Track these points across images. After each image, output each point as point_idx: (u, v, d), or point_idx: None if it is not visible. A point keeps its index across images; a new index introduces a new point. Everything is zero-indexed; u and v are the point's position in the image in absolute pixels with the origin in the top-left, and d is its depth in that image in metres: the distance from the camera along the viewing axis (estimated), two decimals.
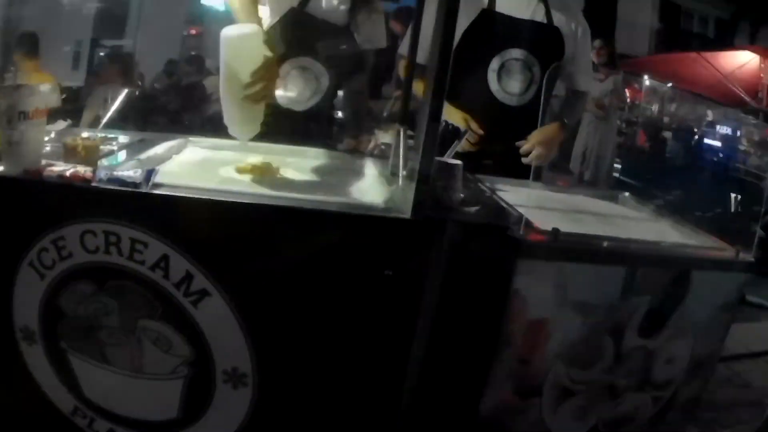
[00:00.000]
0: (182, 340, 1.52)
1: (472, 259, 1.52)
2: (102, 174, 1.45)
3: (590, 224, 1.80)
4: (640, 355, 1.65)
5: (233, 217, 1.48)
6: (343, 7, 2.28)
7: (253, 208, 1.48)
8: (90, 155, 1.55)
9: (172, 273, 1.47)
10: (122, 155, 1.77)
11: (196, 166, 1.84)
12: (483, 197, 1.82)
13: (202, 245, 1.47)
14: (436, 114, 1.49)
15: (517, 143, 2.35)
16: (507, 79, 2.35)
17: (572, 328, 1.58)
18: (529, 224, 1.60)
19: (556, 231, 1.54)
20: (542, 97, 2.34)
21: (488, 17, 2.34)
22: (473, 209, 1.65)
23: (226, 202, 1.47)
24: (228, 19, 1.91)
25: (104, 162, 1.63)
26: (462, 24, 2.31)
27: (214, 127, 1.95)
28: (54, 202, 1.47)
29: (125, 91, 1.79)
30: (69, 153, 1.55)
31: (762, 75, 6.43)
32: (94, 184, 1.45)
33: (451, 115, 2.28)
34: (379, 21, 2.42)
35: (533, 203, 1.87)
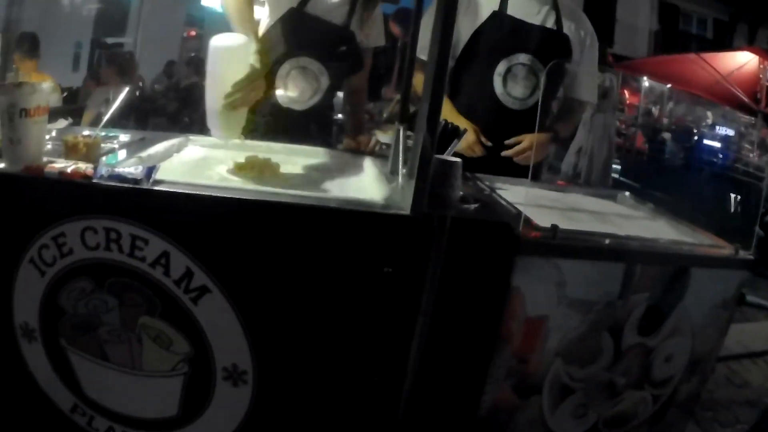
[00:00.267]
0: (182, 338, 1.52)
1: (470, 256, 1.53)
2: (103, 171, 1.46)
3: (587, 222, 1.80)
4: (640, 353, 1.65)
5: (233, 214, 1.48)
6: (342, 7, 2.29)
7: (253, 205, 1.48)
8: (91, 153, 1.56)
9: (173, 270, 1.47)
10: (123, 153, 1.77)
11: (196, 163, 1.85)
12: (482, 195, 1.83)
13: (202, 242, 1.47)
14: (434, 111, 1.49)
15: (506, 142, 2.36)
16: (512, 84, 2.36)
17: (571, 326, 1.58)
18: (527, 221, 1.60)
19: (554, 228, 1.54)
20: (541, 95, 2.33)
21: (499, 20, 2.36)
22: (472, 206, 1.65)
23: (226, 198, 1.47)
24: (227, 21, 1.92)
25: (105, 159, 1.63)
26: (473, 24, 2.37)
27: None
28: (55, 198, 1.47)
29: (125, 91, 1.79)
30: (70, 150, 1.55)
31: (760, 76, 6.44)
32: (94, 180, 1.45)
33: (461, 124, 2.28)
34: (378, 20, 2.44)
35: (531, 201, 1.88)
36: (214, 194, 1.48)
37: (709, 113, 12.10)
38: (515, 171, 2.27)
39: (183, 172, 1.71)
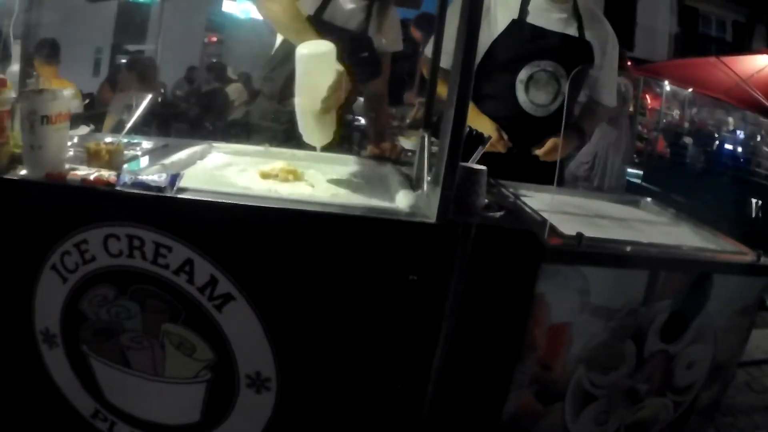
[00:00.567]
0: (206, 345, 1.51)
1: (495, 264, 1.52)
2: (126, 178, 1.45)
3: (611, 229, 1.79)
4: (662, 360, 1.65)
5: (258, 222, 1.47)
6: (358, 13, 2.29)
7: (278, 213, 1.47)
8: (113, 160, 1.55)
9: (197, 277, 1.47)
10: (145, 160, 1.76)
11: (220, 171, 1.84)
12: (506, 202, 1.82)
13: (227, 250, 1.46)
14: (460, 119, 1.48)
15: (532, 148, 2.36)
16: (535, 90, 2.36)
17: (594, 333, 1.57)
18: (552, 229, 1.59)
19: (579, 236, 1.53)
20: (565, 102, 2.32)
21: (519, 27, 2.36)
22: (497, 214, 1.65)
23: (251, 206, 1.46)
24: (248, 26, 1.93)
25: (128, 166, 1.63)
26: (493, 31, 2.37)
27: (237, 133, 1.97)
28: (77, 205, 1.46)
29: (148, 97, 1.80)
30: (92, 157, 1.55)
31: None
32: (117, 187, 1.44)
33: (483, 123, 2.29)
34: (394, 24, 2.43)
35: (555, 208, 1.87)
36: (238, 202, 1.47)
37: (729, 118, 12.08)
38: (538, 173, 2.27)
39: (206, 179, 1.70)
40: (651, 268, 1.56)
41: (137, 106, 1.71)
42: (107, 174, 1.45)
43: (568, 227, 1.60)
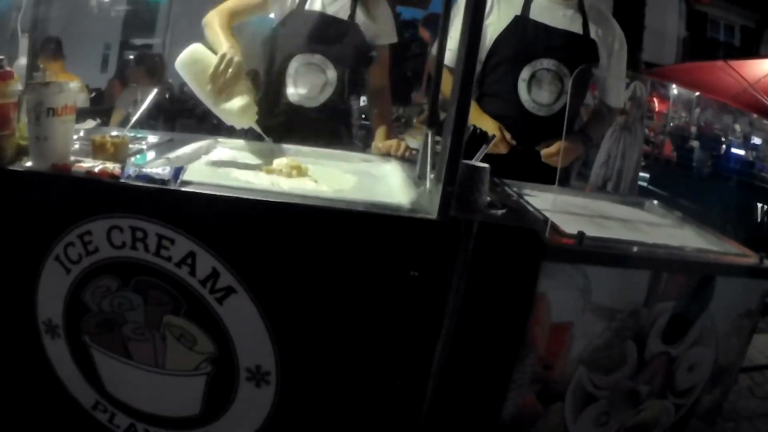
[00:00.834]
0: (206, 337, 1.52)
1: (497, 261, 1.52)
2: (130, 170, 1.46)
3: (614, 229, 1.79)
4: (663, 362, 1.64)
5: (260, 216, 1.48)
6: (344, 3, 2.31)
7: (280, 207, 1.47)
8: (118, 153, 1.56)
9: (199, 270, 1.48)
10: (151, 154, 1.78)
11: (224, 165, 1.85)
12: (509, 201, 1.82)
13: (229, 243, 1.47)
14: (462, 116, 1.48)
15: (541, 151, 2.32)
16: (537, 90, 2.33)
17: (596, 333, 1.57)
18: (554, 228, 1.59)
19: (581, 234, 1.53)
20: (568, 102, 2.28)
21: (522, 24, 2.33)
22: (499, 212, 1.65)
23: (254, 200, 1.47)
24: (256, 23, 1.97)
25: (133, 160, 1.64)
26: (497, 28, 2.35)
27: (242, 129, 1.99)
28: (81, 197, 1.47)
29: (154, 92, 1.81)
30: (97, 150, 1.56)
31: None
32: (122, 180, 1.45)
33: (485, 122, 2.27)
34: (385, 15, 2.43)
35: (558, 208, 1.87)
36: (241, 196, 1.47)
37: (736, 122, 12.03)
38: (542, 173, 2.25)
39: (210, 173, 1.71)
40: (653, 269, 1.56)
41: (143, 101, 1.72)
42: (112, 166, 1.46)
43: (570, 226, 1.60)
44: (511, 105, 2.34)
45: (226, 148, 2.08)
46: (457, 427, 1.60)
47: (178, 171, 1.48)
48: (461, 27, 1.51)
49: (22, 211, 1.48)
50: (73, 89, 1.47)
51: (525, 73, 2.32)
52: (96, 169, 1.45)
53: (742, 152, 11.16)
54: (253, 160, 1.92)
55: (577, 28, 2.34)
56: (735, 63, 6.21)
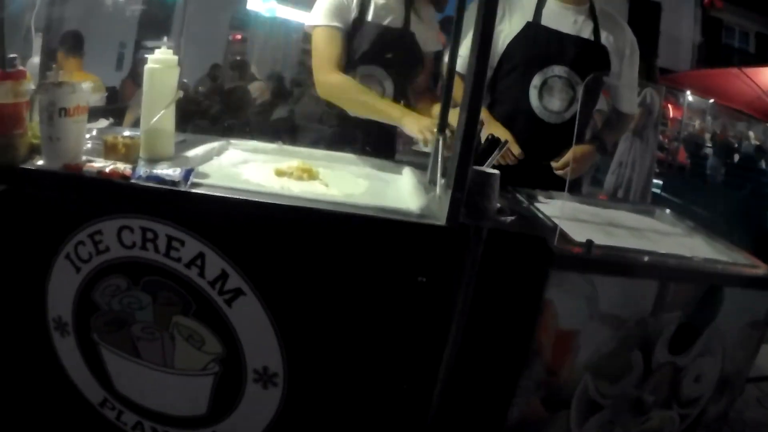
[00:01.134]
0: (215, 338, 1.53)
1: (505, 268, 1.53)
2: (141, 171, 1.47)
3: (623, 238, 1.79)
4: (669, 372, 1.64)
5: (270, 219, 1.49)
6: (396, 7, 2.31)
7: (289, 210, 1.48)
8: (130, 153, 1.57)
9: (208, 271, 1.49)
10: None
11: (235, 167, 1.85)
12: (519, 207, 1.82)
13: (239, 245, 1.48)
14: (472, 122, 1.49)
15: (552, 163, 2.31)
16: (548, 97, 2.31)
17: (602, 341, 1.57)
18: (563, 235, 1.59)
19: (589, 243, 1.53)
20: (578, 109, 2.27)
21: (533, 30, 2.32)
22: (509, 218, 1.65)
23: (263, 203, 1.48)
24: (272, 25, 1.97)
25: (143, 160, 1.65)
26: (507, 34, 2.34)
27: (256, 130, 2.00)
28: (93, 197, 1.49)
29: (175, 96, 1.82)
30: (109, 150, 1.57)
31: None
32: (132, 180, 1.46)
33: (495, 130, 2.24)
34: (432, 23, 2.45)
35: (568, 215, 1.87)
36: (251, 198, 1.48)
37: (751, 130, 11.96)
38: (552, 182, 2.23)
39: (222, 175, 1.72)
40: (661, 279, 1.55)
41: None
42: (123, 167, 1.47)
43: (579, 234, 1.60)
44: (522, 112, 2.32)
45: (238, 150, 2.08)
46: None
47: (188, 172, 1.49)
48: (473, 34, 1.51)
49: (35, 210, 1.49)
50: (85, 89, 1.48)
51: (536, 80, 2.30)
52: (107, 170, 1.46)
53: (756, 160, 11.08)
54: (265, 162, 1.92)
55: (588, 34, 2.33)
56: (749, 70, 6.18)
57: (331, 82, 2.21)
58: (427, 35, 2.41)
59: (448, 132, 1.88)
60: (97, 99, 3.14)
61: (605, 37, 2.34)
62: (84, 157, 1.52)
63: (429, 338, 1.54)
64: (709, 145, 12.17)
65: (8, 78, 1.46)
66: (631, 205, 2.56)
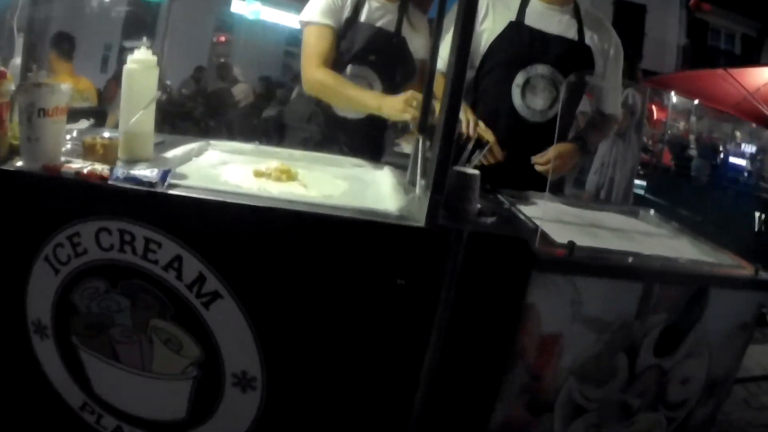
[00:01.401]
0: (193, 342, 1.52)
1: (485, 271, 1.51)
2: (118, 173, 1.46)
3: (607, 239, 1.77)
4: (655, 375, 1.62)
5: (246, 220, 1.47)
6: (389, 12, 2.32)
7: (265, 212, 1.47)
8: (108, 154, 1.56)
9: (185, 274, 1.47)
10: None
11: (213, 168, 1.84)
12: (500, 209, 1.81)
13: (215, 247, 1.47)
14: (451, 123, 1.47)
15: (532, 157, 2.29)
16: (531, 96, 2.31)
17: (586, 344, 1.55)
18: (545, 237, 1.58)
19: (571, 244, 1.52)
20: (561, 108, 2.26)
21: (516, 30, 2.31)
22: (489, 220, 1.63)
23: (240, 204, 1.47)
24: (256, 27, 1.96)
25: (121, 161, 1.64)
26: (490, 34, 2.32)
27: (237, 132, 1.99)
28: (70, 198, 1.47)
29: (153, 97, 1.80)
30: (87, 151, 1.56)
31: None
32: (110, 182, 1.45)
33: (481, 132, 2.22)
34: (425, 29, 2.43)
35: (550, 217, 1.85)
36: (227, 200, 1.47)
37: (736, 132, 11.98)
38: (535, 182, 2.21)
39: (200, 176, 1.70)
40: (645, 281, 1.54)
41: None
42: (101, 168, 1.46)
43: (562, 236, 1.59)
44: (505, 110, 2.31)
45: (217, 151, 2.07)
46: None
47: (165, 174, 1.48)
48: (452, 35, 1.50)
49: (14, 211, 1.48)
50: (64, 90, 1.47)
51: (519, 79, 2.30)
52: (85, 171, 1.45)
53: (740, 161, 11.11)
54: (245, 163, 1.91)
55: (572, 34, 2.32)
56: (735, 71, 6.17)
57: (316, 77, 2.23)
58: (419, 42, 2.40)
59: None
60: (84, 102, 3.12)
61: (589, 38, 2.33)
62: (63, 158, 1.51)
63: (410, 342, 1.52)
64: (694, 146, 12.19)
65: None
66: (615, 206, 2.55)
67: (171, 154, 1.81)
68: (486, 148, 1.88)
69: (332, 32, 2.25)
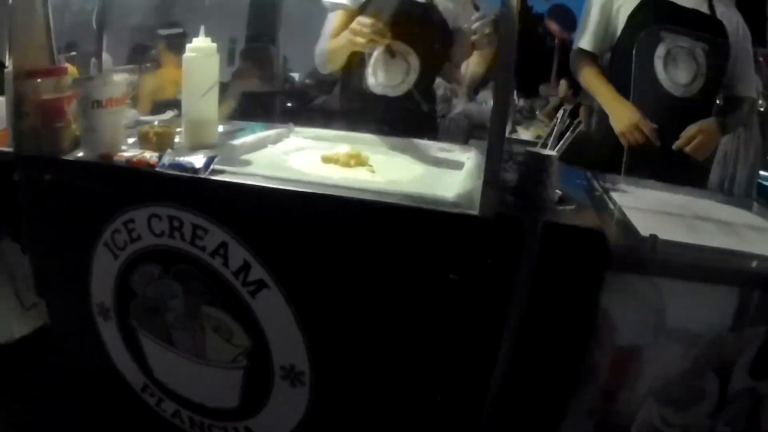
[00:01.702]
0: (242, 330, 1.49)
1: (556, 268, 1.30)
2: (165, 160, 1.47)
3: (708, 234, 1.45)
4: (750, 399, 1.30)
5: (289, 207, 1.40)
6: None
7: (308, 198, 1.38)
8: (163, 142, 1.58)
9: (231, 261, 1.44)
10: None
11: (286, 155, 1.80)
12: (588, 196, 1.57)
13: (260, 235, 1.42)
14: (505, 95, 1.31)
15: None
16: (673, 68, 2.16)
17: (670, 361, 1.29)
18: (628, 229, 1.34)
19: (653, 238, 1.26)
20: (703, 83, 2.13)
21: (652, 3, 2.20)
22: (567, 208, 1.42)
23: (282, 190, 1.39)
24: None
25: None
26: (627, 9, 2.23)
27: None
28: (124, 185, 1.51)
29: (262, 85, 1.82)
30: (143, 140, 1.59)
31: None
32: (157, 169, 1.46)
33: (622, 107, 2.21)
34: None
35: (649, 206, 1.58)
36: (270, 185, 1.40)
37: None
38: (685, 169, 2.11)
39: (266, 163, 1.67)
40: (743, 286, 1.24)
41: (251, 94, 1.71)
42: (149, 155, 1.48)
43: (655, 229, 1.31)
44: (648, 83, 2.17)
45: (299, 137, 2.03)
46: None
47: (210, 160, 1.46)
48: None
49: (77, 198, 1.55)
50: (119, 82, 1.51)
51: (660, 51, 2.15)
52: (134, 159, 1.47)
53: None
54: (322, 149, 1.84)
55: (704, 8, 2.19)
56: None
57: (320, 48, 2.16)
58: (457, 8, 2.18)
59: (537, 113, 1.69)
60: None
61: (720, 14, 2.20)
62: (124, 147, 1.55)
63: (464, 345, 1.36)
64: None
65: (51, 74, 1.54)
66: (727, 197, 2.25)
67: (241, 141, 1.79)
68: (577, 128, 1.64)
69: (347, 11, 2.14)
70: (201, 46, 1.63)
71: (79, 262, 1.57)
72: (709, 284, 1.26)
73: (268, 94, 3.85)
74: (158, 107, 2.06)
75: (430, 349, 1.40)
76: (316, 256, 1.41)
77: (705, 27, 2.18)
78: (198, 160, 1.45)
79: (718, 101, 2.31)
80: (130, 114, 1.76)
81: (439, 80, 2.52)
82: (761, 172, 4.54)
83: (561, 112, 1.61)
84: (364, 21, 1.95)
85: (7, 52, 1.57)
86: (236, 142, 1.77)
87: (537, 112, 4.35)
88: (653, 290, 1.27)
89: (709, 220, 1.55)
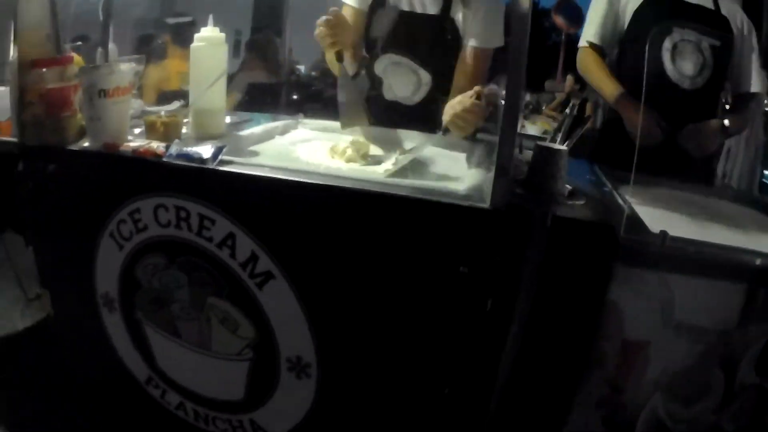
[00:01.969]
0: (248, 322, 1.49)
1: (565, 260, 1.31)
2: (173, 150, 1.46)
3: (717, 231, 1.46)
4: (755, 396, 1.31)
5: (299, 199, 1.40)
6: None
7: (315, 189, 1.38)
8: (170, 132, 1.57)
9: (239, 252, 1.44)
10: None
11: (293, 146, 1.79)
12: (598, 191, 1.58)
13: (267, 226, 1.42)
14: (516, 88, 1.31)
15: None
16: (680, 60, 2.20)
17: (677, 355, 1.30)
18: (637, 224, 1.34)
19: (663, 234, 1.27)
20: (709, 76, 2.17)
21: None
22: (577, 202, 1.43)
23: (291, 181, 1.39)
24: None
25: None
26: (633, 5, 2.27)
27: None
28: (130, 175, 1.50)
29: (268, 76, 1.81)
30: (149, 129, 1.58)
31: None
32: (164, 159, 1.45)
33: (608, 84, 2.27)
34: (490, 17, 2.04)
35: (658, 202, 1.58)
36: (277, 176, 1.40)
37: None
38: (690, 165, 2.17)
39: (274, 154, 1.67)
40: (751, 282, 1.25)
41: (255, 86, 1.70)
42: (156, 145, 1.47)
43: (664, 224, 1.32)
44: (656, 77, 2.19)
45: (306, 129, 2.03)
46: None
47: (218, 150, 1.45)
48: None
49: (81, 188, 1.54)
50: (125, 71, 1.50)
51: (668, 43, 2.19)
52: (141, 149, 1.46)
53: None
54: (329, 140, 1.83)
55: (709, 4, 2.23)
56: None
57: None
58: (470, 26, 2.04)
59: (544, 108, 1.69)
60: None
61: (725, 10, 2.23)
62: (130, 138, 1.54)
63: (472, 338, 1.37)
64: None
65: (57, 63, 1.52)
66: (734, 193, 2.33)
67: (248, 131, 1.79)
68: (586, 123, 1.64)
69: (356, 13, 2.10)
70: (209, 35, 1.62)
71: (84, 253, 1.56)
72: (717, 280, 1.27)
73: (273, 86, 3.84)
74: (163, 98, 2.05)
75: (438, 341, 1.40)
76: (324, 248, 1.40)
77: (710, 22, 2.20)
78: (206, 150, 1.45)
79: (724, 100, 2.33)
80: (136, 104, 1.75)
81: None
82: (766, 171, 4.56)
83: (571, 106, 1.61)
84: (320, 22, 1.84)
85: (12, 41, 1.56)
86: (244, 132, 1.77)
87: (543, 107, 4.37)
88: (662, 285, 1.28)
89: (717, 217, 1.55)
